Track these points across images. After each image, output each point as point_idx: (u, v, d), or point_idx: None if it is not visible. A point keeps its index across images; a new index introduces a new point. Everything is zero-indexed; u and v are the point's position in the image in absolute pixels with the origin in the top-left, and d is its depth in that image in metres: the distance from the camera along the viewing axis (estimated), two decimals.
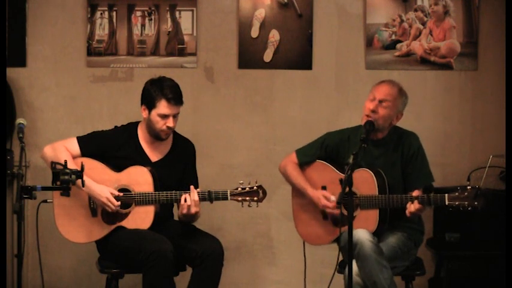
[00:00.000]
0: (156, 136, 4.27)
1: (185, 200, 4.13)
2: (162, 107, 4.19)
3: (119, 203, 4.17)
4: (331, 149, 4.35)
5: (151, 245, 4.04)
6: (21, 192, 3.62)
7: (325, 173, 4.31)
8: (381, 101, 4.18)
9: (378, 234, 4.12)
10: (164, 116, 4.20)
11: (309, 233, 4.36)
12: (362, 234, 3.98)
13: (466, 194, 3.90)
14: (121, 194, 4.18)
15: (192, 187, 4.15)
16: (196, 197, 4.14)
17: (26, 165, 4.97)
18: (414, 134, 4.30)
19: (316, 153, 4.38)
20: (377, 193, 4.11)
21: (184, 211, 4.15)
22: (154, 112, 4.21)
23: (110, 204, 4.15)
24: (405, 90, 4.28)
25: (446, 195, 3.93)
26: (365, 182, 4.14)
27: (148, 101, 4.23)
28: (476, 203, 3.87)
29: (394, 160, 4.23)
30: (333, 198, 4.20)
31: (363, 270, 3.98)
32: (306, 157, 4.39)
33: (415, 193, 4.06)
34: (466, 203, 3.89)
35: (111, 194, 4.16)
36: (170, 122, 4.21)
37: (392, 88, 4.23)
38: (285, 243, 5.33)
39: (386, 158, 4.23)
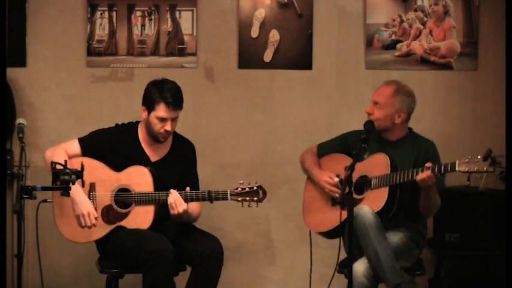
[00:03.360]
0: (154, 138, 4.28)
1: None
2: (161, 110, 4.19)
3: (95, 222, 4.15)
4: (349, 146, 4.39)
5: (151, 244, 4.04)
6: (21, 192, 3.61)
7: (340, 163, 4.32)
8: (375, 103, 4.27)
9: (383, 217, 4.12)
10: (162, 119, 4.20)
11: (316, 221, 4.38)
12: (364, 209, 4.04)
13: (476, 160, 3.87)
14: (99, 217, 4.18)
15: (171, 190, 4.16)
16: (176, 196, 4.14)
17: (26, 165, 4.97)
18: (432, 142, 4.34)
19: (335, 146, 4.46)
20: (389, 172, 4.15)
21: (171, 211, 4.16)
22: (153, 114, 4.21)
23: (87, 219, 4.13)
24: (408, 89, 4.30)
25: (457, 161, 3.93)
26: (378, 164, 4.18)
27: (148, 102, 4.23)
28: (485, 167, 3.84)
29: (408, 162, 4.24)
30: (336, 179, 4.26)
31: (364, 241, 3.99)
32: (325, 149, 4.48)
33: (428, 165, 4.07)
34: (476, 168, 3.86)
35: (92, 214, 4.15)
36: (168, 126, 4.21)
37: (387, 88, 4.28)
38: (285, 243, 5.33)
39: (401, 159, 4.24)
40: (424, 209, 4.21)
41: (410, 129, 4.38)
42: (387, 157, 4.19)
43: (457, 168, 3.92)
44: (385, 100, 4.25)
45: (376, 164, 4.20)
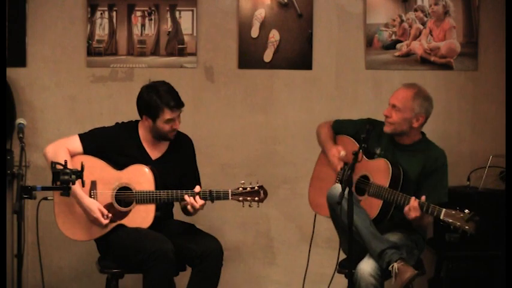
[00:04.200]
0: (163, 138, 4.31)
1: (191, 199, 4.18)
2: (167, 114, 4.22)
3: (108, 220, 4.18)
4: (360, 135, 4.38)
5: (152, 244, 4.04)
6: (21, 192, 3.61)
7: (348, 147, 4.34)
8: (393, 106, 4.21)
9: (376, 224, 4.13)
10: (170, 120, 4.24)
11: (320, 204, 4.37)
12: (335, 186, 4.10)
13: (461, 215, 3.87)
14: (110, 215, 4.19)
15: (197, 197, 4.18)
16: (200, 202, 4.16)
17: (26, 165, 4.97)
18: (443, 152, 4.29)
19: (349, 129, 4.46)
20: (388, 185, 4.13)
21: (188, 207, 4.18)
22: (159, 121, 4.23)
23: (102, 220, 4.15)
24: (426, 93, 4.26)
25: (443, 210, 3.92)
26: (380, 171, 4.17)
27: (150, 112, 4.24)
28: (467, 227, 3.84)
29: (415, 168, 4.22)
30: (343, 153, 4.30)
31: (341, 213, 3.98)
32: (340, 128, 4.50)
33: (422, 198, 4.05)
34: (458, 223, 3.86)
35: (100, 210, 4.17)
36: (176, 124, 4.27)
37: (406, 91, 4.23)
38: (285, 243, 5.33)
39: (409, 165, 4.23)
40: (414, 226, 4.20)
41: (423, 134, 4.33)
42: (389, 166, 4.16)
43: (441, 217, 3.91)
44: (403, 103, 4.18)
45: (378, 169, 4.18)
